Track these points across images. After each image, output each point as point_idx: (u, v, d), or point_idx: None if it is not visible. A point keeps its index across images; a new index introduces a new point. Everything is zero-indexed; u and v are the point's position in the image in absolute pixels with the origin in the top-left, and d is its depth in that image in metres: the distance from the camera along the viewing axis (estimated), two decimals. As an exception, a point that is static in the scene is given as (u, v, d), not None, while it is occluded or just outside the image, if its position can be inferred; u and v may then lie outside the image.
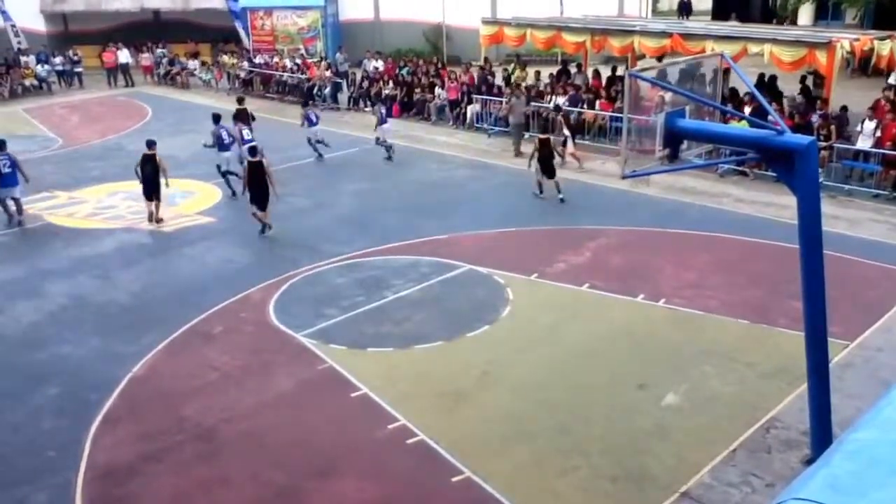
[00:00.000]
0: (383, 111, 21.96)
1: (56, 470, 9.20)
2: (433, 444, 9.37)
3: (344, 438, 9.62)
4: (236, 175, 18.22)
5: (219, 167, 18.83)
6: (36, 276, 14.55)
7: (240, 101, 21.96)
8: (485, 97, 24.09)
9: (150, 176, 16.70)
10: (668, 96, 8.77)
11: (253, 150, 16.33)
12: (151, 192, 16.80)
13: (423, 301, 13.02)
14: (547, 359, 11.22)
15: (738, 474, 8.64)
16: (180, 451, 9.49)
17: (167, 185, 16.94)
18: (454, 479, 8.78)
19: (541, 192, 17.86)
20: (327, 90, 28.30)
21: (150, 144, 17.12)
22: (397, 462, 9.17)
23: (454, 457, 9.11)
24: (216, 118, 19.46)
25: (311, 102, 25.44)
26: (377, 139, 21.50)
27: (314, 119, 21.79)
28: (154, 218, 16.93)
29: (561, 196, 17.45)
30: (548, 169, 17.61)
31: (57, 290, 13.93)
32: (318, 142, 21.70)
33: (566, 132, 19.92)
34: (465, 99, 24.75)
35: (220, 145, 18.82)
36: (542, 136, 18.05)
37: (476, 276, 13.85)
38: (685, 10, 40.77)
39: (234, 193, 18.43)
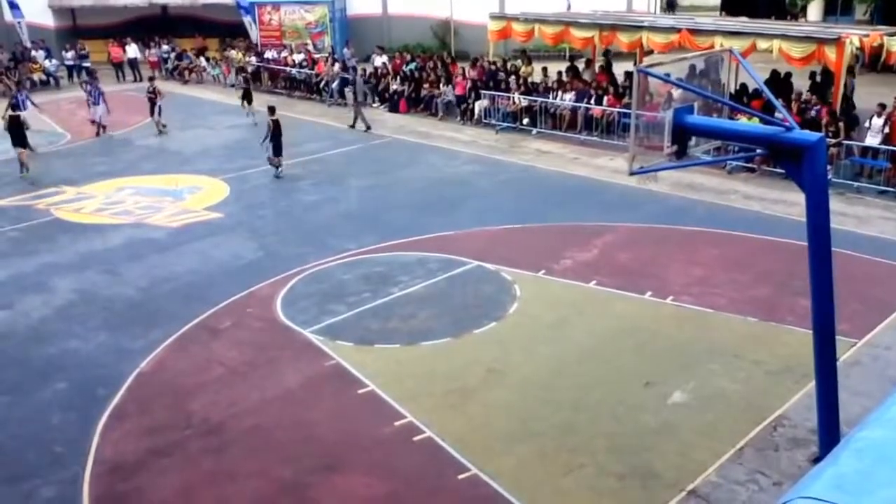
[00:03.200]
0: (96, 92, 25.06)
1: (64, 464, 9.23)
2: (439, 440, 9.37)
3: (350, 435, 9.62)
4: None
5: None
6: (44, 270, 14.59)
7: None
8: (493, 93, 24.06)
9: None
10: (676, 92, 8.74)
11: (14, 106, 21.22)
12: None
13: (430, 297, 13.01)
14: (554, 356, 11.21)
15: (745, 472, 8.61)
16: (187, 446, 9.51)
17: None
18: (460, 477, 8.78)
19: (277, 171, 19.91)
20: (335, 85, 28.27)
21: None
22: (404, 459, 9.18)
23: (460, 454, 9.11)
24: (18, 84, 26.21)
25: (92, 77, 27.99)
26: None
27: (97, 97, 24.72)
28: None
29: (279, 173, 19.77)
30: (277, 147, 19.73)
31: (65, 286, 13.96)
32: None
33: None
34: (473, 94, 24.70)
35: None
36: (274, 117, 19.91)
37: (483, 273, 13.84)
38: (671, 5, 40.82)
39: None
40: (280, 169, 19.95)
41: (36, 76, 32.70)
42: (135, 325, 12.42)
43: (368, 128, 24.25)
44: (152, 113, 25.09)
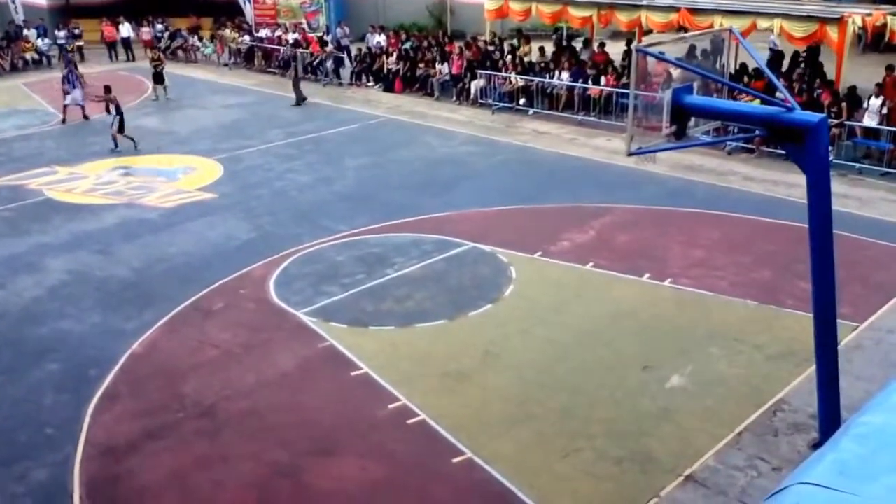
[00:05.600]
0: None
1: (55, 446, 9.15)
2: (434, 424, 9.27)
3: (344, 418, 9.53)
4: None
5: None
6: (36, 250, 14.44)
7: None
8: (489, 72, 23.83)
9: None
10: (675, 72, 8.60)
11: None
12: None
13: (425, 279, 12.89)
14: (550, 339, 11.10)
15: (744, 458, 8.53)
16: (180, 429, 9.42)
17: None
18: (455, 460, 8.68)
19: (115, 146, 20.57)
20: (329, 65, 28.02)
21: None
22: (398, 442, 9.09)
23: (456, 437, 9.01)
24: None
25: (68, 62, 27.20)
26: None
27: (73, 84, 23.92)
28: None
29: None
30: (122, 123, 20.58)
31: (57, 266, 13.81)
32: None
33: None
34: (469, 74, 24.46)
35: None
36: (111, 95, 21.07)
37: (479, 254, 13.71)
38: None
39: None
40: (133, 144, 20.47)
41: (28, 55, 32.28)
42: (128, 306, 12.29)
43: (303, 100, 25.08)
44: (157, 81, 25.86)
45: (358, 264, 13.44)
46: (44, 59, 32.68)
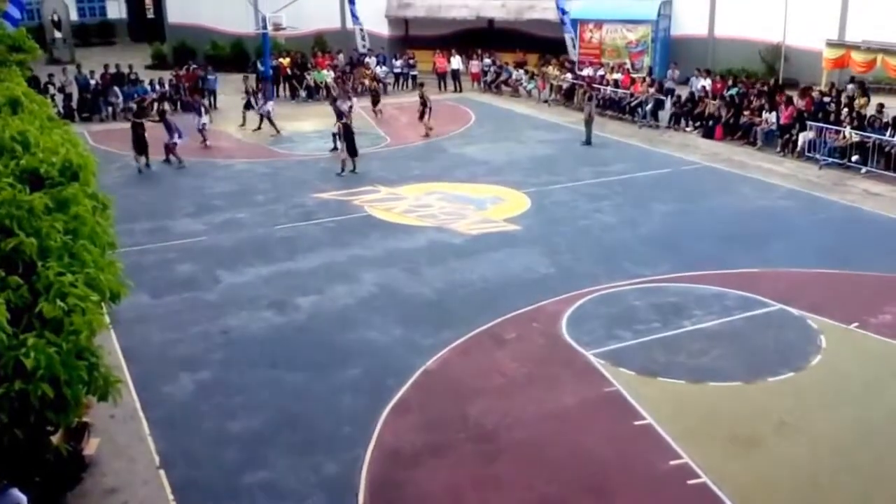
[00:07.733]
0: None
1: (349, 445, 9.78)
2: (716, 489, 8.81)
3: (622, 465, 9.34)
4: None
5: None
6: (353, 262, 15.56)
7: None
8: (820, 125, 22.32)
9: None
10: None
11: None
12: None
13: (723, 336, 12.30)
14: (858, 419, 10.12)
15: None
16: (460, 448, 9.73)
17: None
18: (734, 531, 8.19)
19: (342, 170, 21.67)
20: (649, 107, 27.76)
21: None
22: (676, 501, 8.78)
23: (738, 507, 8.50)
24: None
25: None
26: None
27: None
28: None
29: (355, 169, 21.82)
30: (352, 148, 21.80)
31: (369, 278, 14.79)
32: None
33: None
34: (798, 125, 23.09)
35: None
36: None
37: (786, 317, 12.85)
38: None
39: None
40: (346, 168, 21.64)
41: (367, 81, 34.81)
42: (427, 324, 12.91)
43: (589, 142, 25.11)
44: (421, 117, 26.62)
45: (654, 312, 13.13)
46: (379, 86, 35.29)
